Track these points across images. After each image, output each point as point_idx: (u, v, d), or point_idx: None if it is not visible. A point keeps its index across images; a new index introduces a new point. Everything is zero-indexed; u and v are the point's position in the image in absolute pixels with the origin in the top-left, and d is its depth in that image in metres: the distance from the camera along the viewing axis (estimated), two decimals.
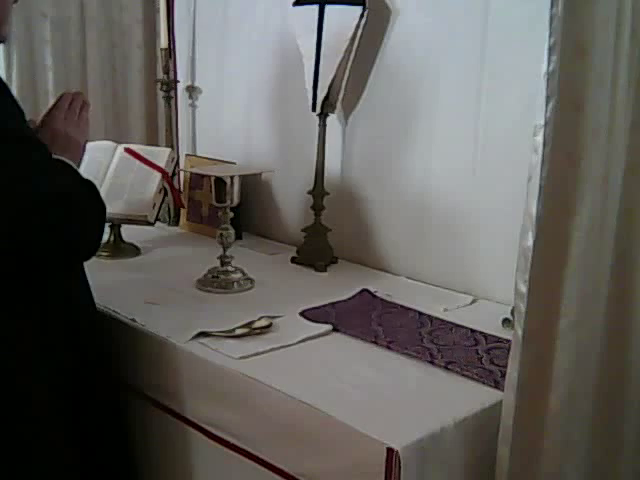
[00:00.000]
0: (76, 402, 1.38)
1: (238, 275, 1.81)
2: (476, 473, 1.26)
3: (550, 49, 1.08)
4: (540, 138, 1.11)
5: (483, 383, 1.32)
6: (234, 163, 2.15)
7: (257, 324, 1.53)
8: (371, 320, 1.60)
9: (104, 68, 2.54)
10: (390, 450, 1.11)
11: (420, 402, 1.27)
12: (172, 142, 2.48)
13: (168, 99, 2.46)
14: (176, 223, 2.41)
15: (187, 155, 2.44)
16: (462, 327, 1.56)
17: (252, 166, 2.21)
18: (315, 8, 1.90)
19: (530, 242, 1.14)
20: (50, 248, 1.24)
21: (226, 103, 2.35)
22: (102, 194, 2.01)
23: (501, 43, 1.65)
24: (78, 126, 1.51)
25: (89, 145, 2.16)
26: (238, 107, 2.31)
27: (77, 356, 1.38)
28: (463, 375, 1.34)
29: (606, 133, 1.16)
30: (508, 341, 1.30)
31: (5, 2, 1.36)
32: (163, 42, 2.39)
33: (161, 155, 2.12)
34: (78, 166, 1.43)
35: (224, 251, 1.81)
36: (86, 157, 2.09)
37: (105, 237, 2.08)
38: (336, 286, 1.81)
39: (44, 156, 1.30)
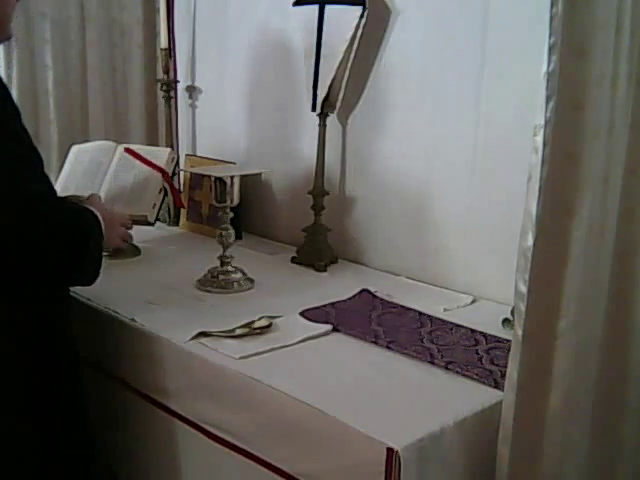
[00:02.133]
0: (35, 373, 1.38)
1: (238, 275, 1.81)
2: (476, 473, 1.25)
3: (550, 49, 1.08)
4: (540, 138, 1.11)
5: (483, 383, 1.32)
6: (234, 163, 2.15)
7: (257, 324, 1.53)
8: (371, 320, 1.60)
9: (104, 68, 2.54)
10: (390, 450, 1.11)
11: (420, 402, 1.27)
12: (172, 142, 2.48)
13: (168, 99, 2.46)
14: (176, 223, 2.41)
15: (187, 155, 2.44)
16: (462, 327, 1.56)
17: (252, 166, 2.20)
18: (315, 8, 1.90)
19: (530, 242, 1.14)
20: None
21: (226, 103, 2.35)
22: (102, 194, 2.04)
23: (501, 43, 1.65)
24: (118, 229, 1.62)
25: (89, 145, 2.18)
26: (238, 107, 2.31)
27: (39, 330, 1.39)
28: (463, 375, 1.34)
29: (606, 133, 1.16)
30: (508, 341, 1.30)
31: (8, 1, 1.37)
32: (163, 42, 2.39)
33: (161, 155, 2.11)
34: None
35: (224, 251, 1.81)
36: (86, 157, 2.11)
37: None
38: (336, 286, 1.81)
39: (31, 158, 1.33)
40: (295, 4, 1.96)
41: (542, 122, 1.10)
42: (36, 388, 1.39)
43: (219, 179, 1.78)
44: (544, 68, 1.09)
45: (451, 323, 1.58)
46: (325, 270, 1.97)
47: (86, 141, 2.27)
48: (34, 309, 1.37)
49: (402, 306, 1.69)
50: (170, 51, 2.42)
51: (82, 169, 2.07)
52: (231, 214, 1.81)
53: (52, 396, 1.42)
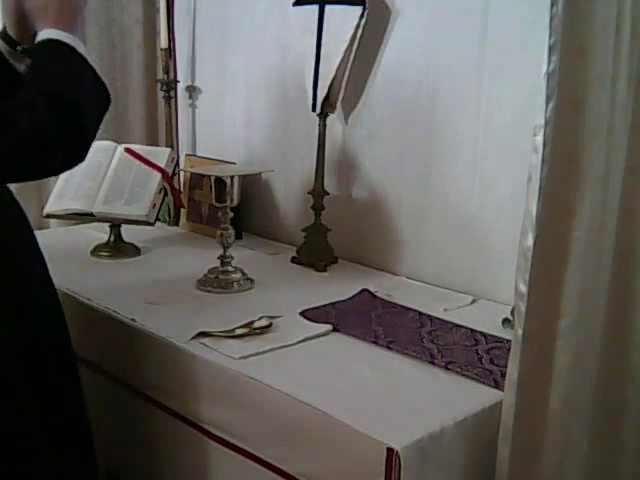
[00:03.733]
0: (32, 373, 1.34)
1: (238, 275, 1.81)
2: (476, 473, 1.26)
3: (550, 49, 1.08)
4: (540, 138, 1.11)
5: (483, 383, 1.32)
6: (234, 163, 2.15)
7: (257, 324, 1.53)
8: (371, 320, 1.60)
9: (104, 68, 2.54)
10: (390, 450, 1.11)
11: (420, 402, 1.27)
12: (172, 142, 2.47)
13: (168, 99, 2.46)
14: (176, 223, 2.41)
15: (187, 155, 2.44)
16: (462, 327, 1.56)
17: (252, 166, 2.21)
18: (315, 8, 1.90)
19: (530, 242, 1.14)
20: None
21: (226, 103, 2.35)
22: (102, 194, 2.03)
23: (501, 43, 1.65)
24: None
25: None
26: (238, 107, 2.31)
27: (27, 329, 1.33)
28: (463, 375, 1.34)
29: (606, 133, 1.16)
30: (508, 341, 1.30)
31: None
32: (163, 42, 2.39)
33: (161, 155, 2.12)
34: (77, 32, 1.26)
35: (224, 251, 1.81)
36: (86, 158, 2.10)
37: (105, 237, 2.09)
38: (336, 286, 1.81)
39: None
40: (295, 4, 1.96)
41: (542, 122, 1.10)
42: (36, 388, 1.37)
43: (219, 179, 1.78)
44: (544, 68, 1.09)
45: (451, 323, 1.58)
46: (325, 270, 1.97)
47: None
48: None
49: (402, 306, 1.69)
50: (170, 51, 2.42)
51: (82, 169, 2.06)
52: (231, 214, 1.81)
53: (52, 395, 1.40)
